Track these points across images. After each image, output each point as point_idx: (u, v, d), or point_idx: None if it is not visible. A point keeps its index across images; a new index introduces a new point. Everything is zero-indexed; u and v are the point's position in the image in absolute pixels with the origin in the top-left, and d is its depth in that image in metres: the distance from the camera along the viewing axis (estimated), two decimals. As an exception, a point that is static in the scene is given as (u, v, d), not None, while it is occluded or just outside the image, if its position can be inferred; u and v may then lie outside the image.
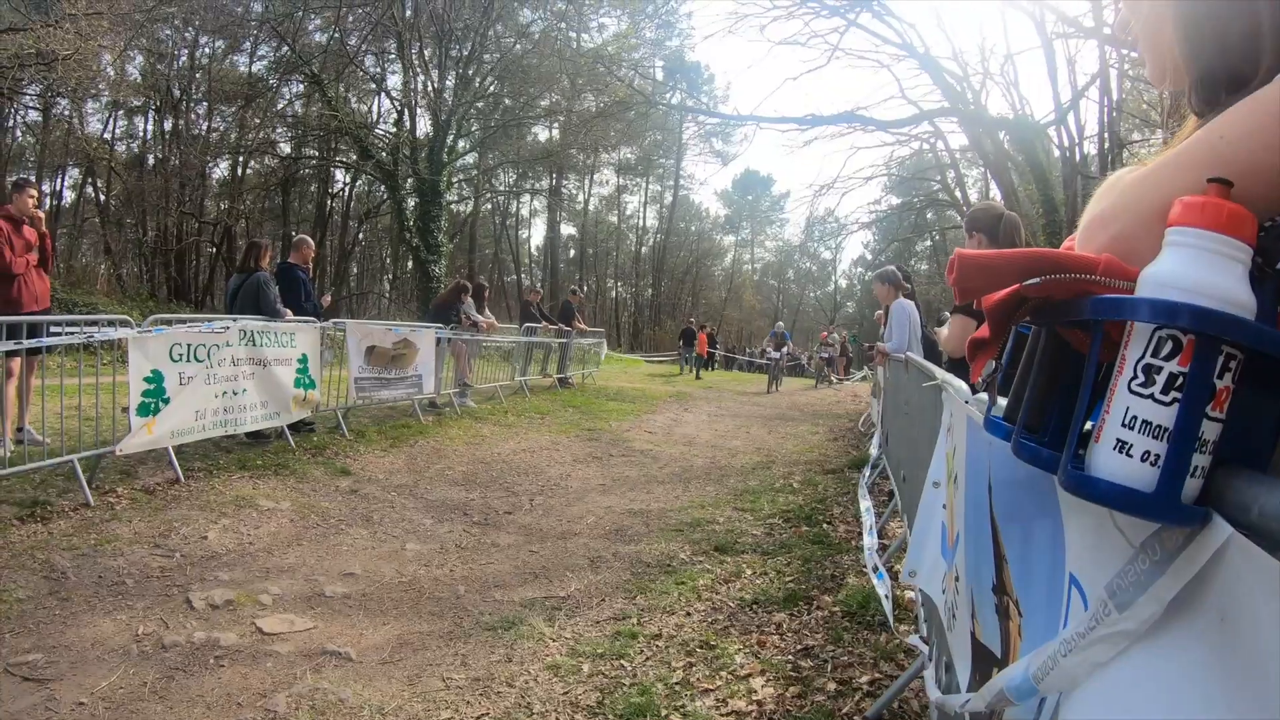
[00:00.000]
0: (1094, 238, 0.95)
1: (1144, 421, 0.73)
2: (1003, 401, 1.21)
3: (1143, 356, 0.75)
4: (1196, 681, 0.70)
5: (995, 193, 26.34)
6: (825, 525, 6.89)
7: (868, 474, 8.31)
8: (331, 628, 4.56)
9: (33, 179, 7.32)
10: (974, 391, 1.53)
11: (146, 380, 6.52)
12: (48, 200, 7.39)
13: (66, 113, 34.18)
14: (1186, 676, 0.72)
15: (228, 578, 5.10)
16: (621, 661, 4.18)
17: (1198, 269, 0.74)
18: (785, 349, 22.57)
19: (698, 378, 27.15)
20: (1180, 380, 0.72)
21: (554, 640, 4.47)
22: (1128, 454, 0.74)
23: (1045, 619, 1.21)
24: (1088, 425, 0.85)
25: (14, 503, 5.79)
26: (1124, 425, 0.75)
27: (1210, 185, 0.77)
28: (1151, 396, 0.73)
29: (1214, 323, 0.71)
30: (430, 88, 36.11)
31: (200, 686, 3.79)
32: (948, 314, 5.83)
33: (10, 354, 6.58)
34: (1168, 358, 0.73)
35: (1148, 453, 0.73)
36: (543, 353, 16.95)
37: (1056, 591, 1.14)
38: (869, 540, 5.38)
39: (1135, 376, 0.75)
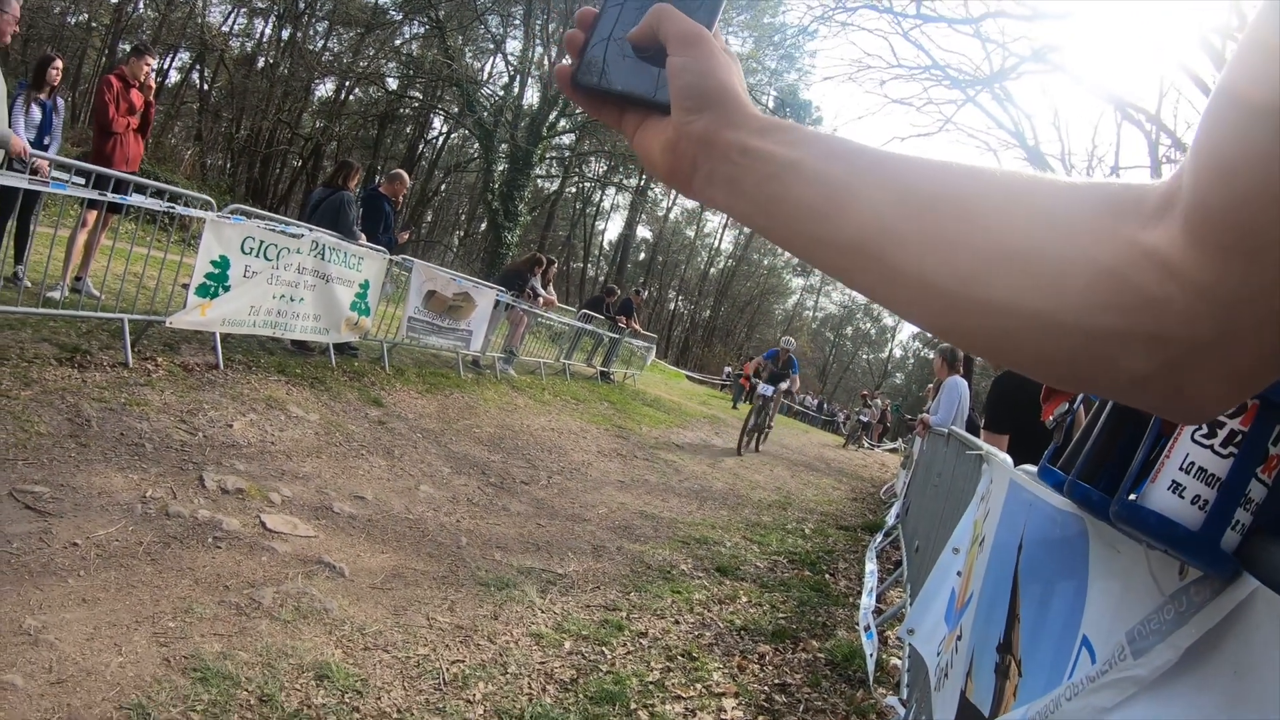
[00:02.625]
0: None
1: (1200, 468, 0.79)
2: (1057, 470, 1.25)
3: None
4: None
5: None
6: (827, 575, 6.87)
7: (879, 539, 8.27)
8: (332, 541, 4.65)
9: (151, 50, 7.58)
10: (1046, 427, 1.56)
11: (213, 264, 6.66)
12: (152, 62, 7.69)
13: None
14: (1192, 728, 0.75)
15: (243, 468, 5.22)
16: (603, 649, 4.22)
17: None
18: (784, 384, 15.26)
19: (735, 408, 27.01)
20: (1239, 437, 0.77)
21: (543, 611, 4.52)
22: (1180, 494, 0.79)
23: (1047, 679, 1.23)
24: (1139, 484, 0.89)
25: (57, 344, 5.96)
26: (1181, 469, 0.80)
27: None
28: (1212, 448, 0.78)
29: (1278, 391, 0.76)
30: (547, 61, 36.48)
31: (193, 560, 3.89)
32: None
33: (90, 205, 6.79)
34: (1233, 415, 0.78)
35: (1199, 496, 0.78)
36: (592, 342, 17.04)
37: (1065, 652, 1.16)
38: (867, 600, 5.39)
39: (1200, 428, 0.80)
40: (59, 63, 7.40)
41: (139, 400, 5.59)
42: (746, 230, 59.64)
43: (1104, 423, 1.06)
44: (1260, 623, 0.70)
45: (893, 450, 28.89)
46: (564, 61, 0.71)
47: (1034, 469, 1.70)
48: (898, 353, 69.02)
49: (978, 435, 6.31)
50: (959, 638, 2.10)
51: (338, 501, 5.27)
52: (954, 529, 3.00)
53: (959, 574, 2.53)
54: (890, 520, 9.06)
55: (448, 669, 3.60)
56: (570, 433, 10.39)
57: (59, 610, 3.16)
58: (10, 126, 6.06)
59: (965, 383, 7.76)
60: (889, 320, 65.13)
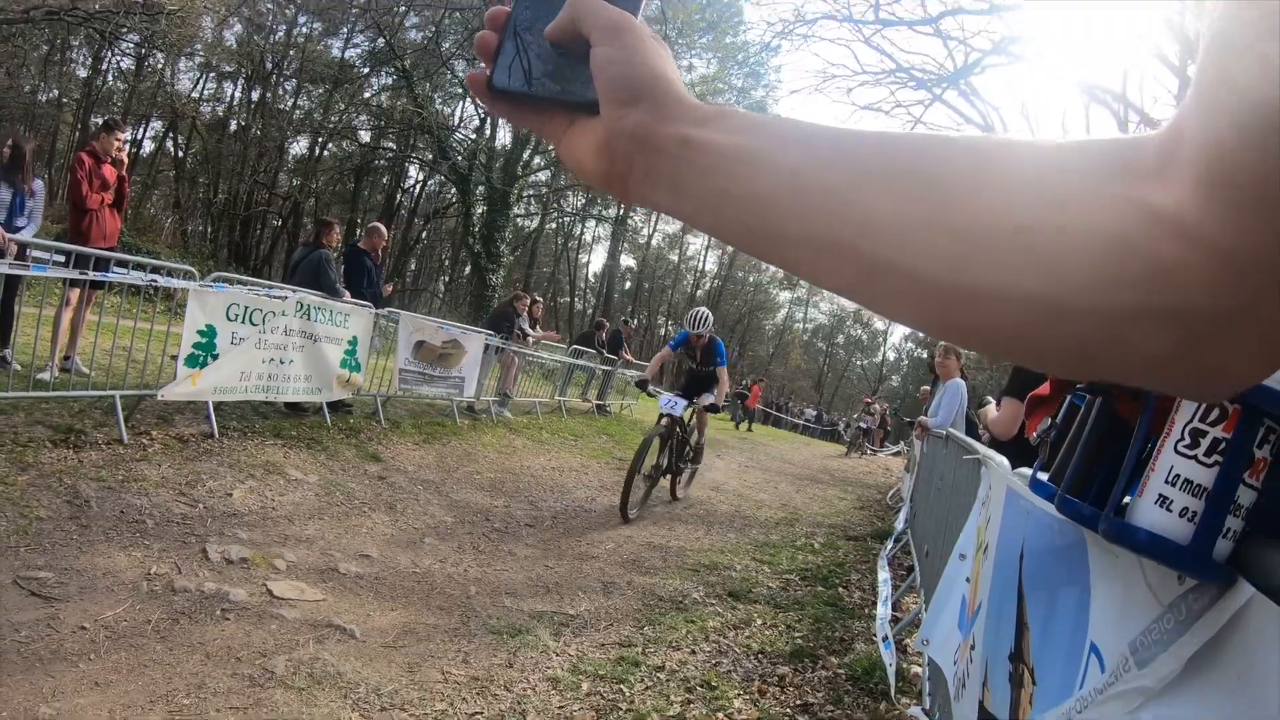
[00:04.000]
0: None
1: (1185, 480, 0.78)
2: (1043, 476, 1.25)
3: (1191, 421, 0.79)
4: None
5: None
6: (841, 589, 6.84)
7: (890, 546, 8.24)
8: (340, 603, 4.62)
9: (123, 123, 7.70)
10: (1031, 444, 1.56)
11: (200, 333, 6.66)
12: (128, 146, 7.73)
13: (160, 65, 35.38)
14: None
15: (246, 536, 5.20)
16: (621, 686, 4.19)
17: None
18: (707, 398, 9.39)
19: (750, 429, 27.07)
20: (1223, 445, 0.76)
21: (557, 654, 4.49)
22: (1168, 509, 0.79)
23: (1059, 687, 1.23)
24: (1127, 496, 0.89)
25: (50, 426, 5.94)
26: (1167, 482, 0.79)
27: None
28: (1195, 458, 0.78)
29: (1257, 395, 0.75)
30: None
31: (203, 634, 3.86)
32: (991, 398, 5.81)
33: (72, 284, 6.80)
34: (1214, 423, 0.77)
35: (1186, 509, 0.78)
36: (585, 377, 17.03)
37: (1075, 659, 1.16)
38: (883, 610, 5.36)
39: (1182, 439, 0.80)
40: (28, 148, 7.42)
41: (137, 476, 5.57)
42: (730, 249, 59.97)
43: (1089, 433, 1.06)
44: (1259, 628, 0.70)
45: (895, 454, 28.85)
46: (476, 66, 0.66)
47: (1028, 472, 1.71)
48: (891, 355, 69.15)
49: (976, 435, 6.32)
50: (972, 647, 2.09)
51: (343, 562, 5.24)
52: (960, 533, 2.99)
53: (967, 580, 2.52)
54: (899, 526, 9.03)
55: (467, 723, 3.58)
56: (571, 470, 10.37)
57: (72, 696, 3.13)
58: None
59: (964, 383, 7.77)
60: (879, 324, 65.29)
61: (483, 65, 0.65)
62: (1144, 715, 0.81)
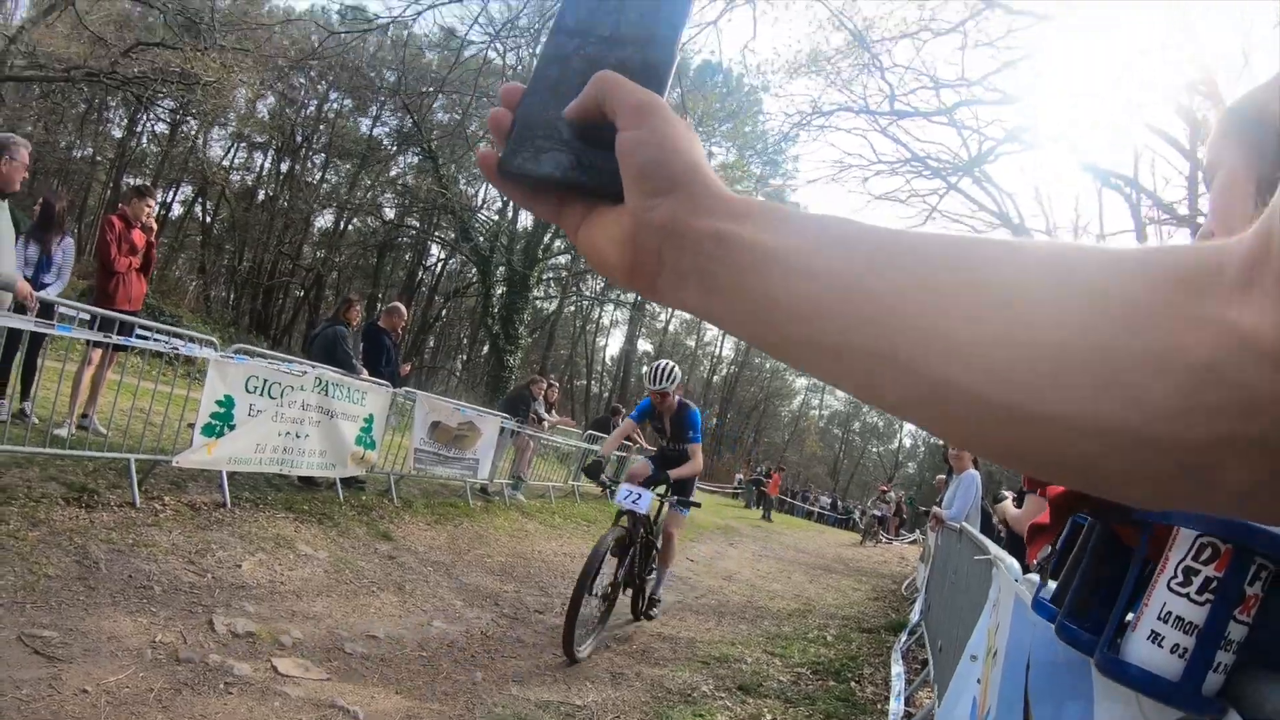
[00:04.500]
0: None
1: (1177, 617, 0.80)
2: (1052, 585, 1.26)
3: (1184, 559, 0.81)
4: None
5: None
6: (853, 683, 6.71)
7: (904, 638, 8.11)
8: (345, 684, 4.57)
9: (155, 189, 7.99)
10: (1025, 571, 1.57)
11: (218, 403, 6.76)
12: (153, 204, 7.93)
13: (193, 132, 36.43)
14: None
15: (253, 610, 5.17)
16: (625, 782, 4.11)
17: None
18: (675, 474, 7.26)
19: (768, 519, 26.76)
20: (1214, 584, 0.78)
21: (562, 747, 4.42)
22: (1159, 644, 0.80)
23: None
24: (1128, 616, 0.91)
25: (64, 483, 6.00)
26: (1159, 619, 0.81)
27: None
28: (1187, 596, 0.80)
29: (1248, 535, 0.78)
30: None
31: (205, 707, 3.82)
32: (1007, 492, 5.78)
33: (95, 344, 6.93)
34: (1206, 562, 0.79)
35: (1178, 645, 0.79)
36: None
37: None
38: (895, 706, 5.26)
39: (1175, 576, 0.81)
40: (59, 205, 7.64)
41: (147, 541, 5.58)
42: (746, 334, 60.15)
43: (1089, 557, 1.07)
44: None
45: (911, 542, 28.49)
46: (485, 145, 0.60)
47: (1037, 579, 1.71)
48: (907, 442, 68.72)
49: (991, 526, 6.28)
50: (983, 756, 2.06)
51: (349, 641, 5.20)
52: (973, 628, 2.96)
53: (978, 682, 2.49)
54: (914, 618, 8.89)
55: (469, 818, 3.51)
56: (582, 555, 10.24)
57: (70, 780, 3.10)
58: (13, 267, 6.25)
59: (978, 475, 7.73)
60: (895, 412, 64.89)
61: (495, 143, 0.62)
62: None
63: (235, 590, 5.41)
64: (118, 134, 37.36)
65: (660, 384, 7.01)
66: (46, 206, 7.49)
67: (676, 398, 7.21)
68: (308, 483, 8.46)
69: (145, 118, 35.45)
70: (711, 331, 60.79)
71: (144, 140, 37.86)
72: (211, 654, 4.38)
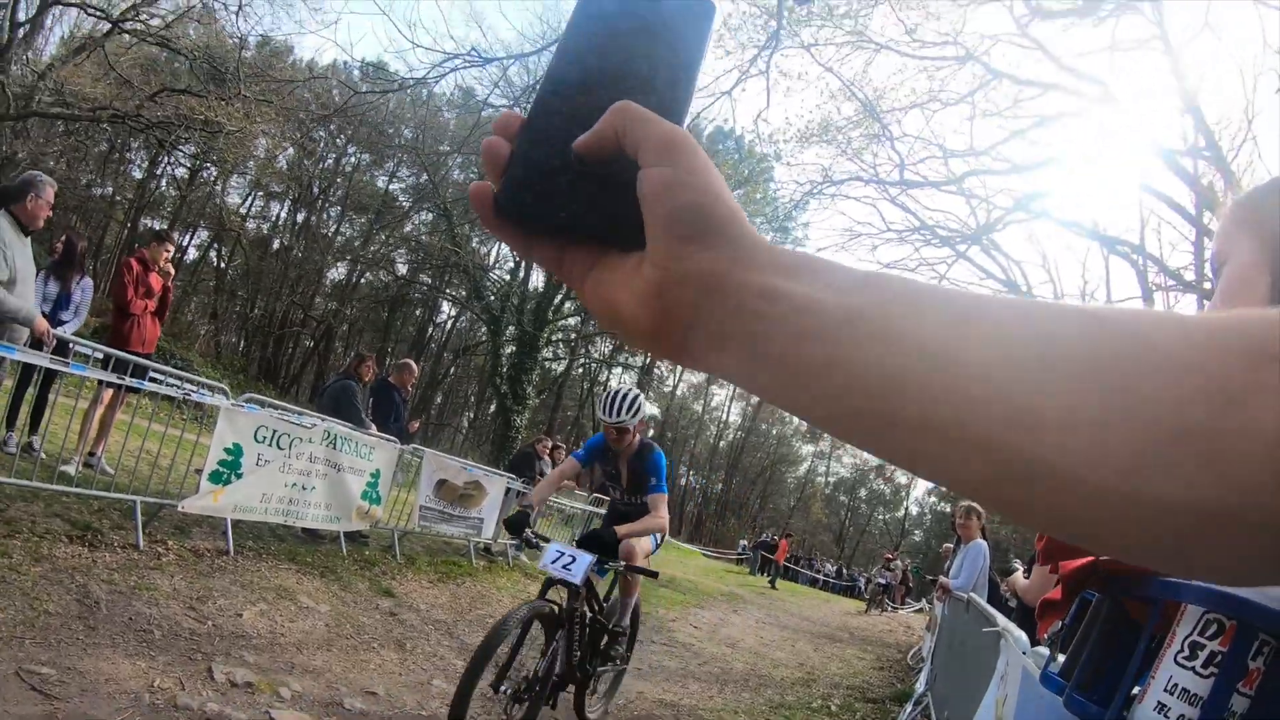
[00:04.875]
0: None
1: (1183, 690, 0.82)
2: (1060, 659, 1.27)
3: (1191, 634, 0.83)
4: None
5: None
6: (857, 758, 6.61)
7: (909, 709, 7.97)
8: (344, 748, 4.52)
9: (174, 235, 8.16)
10: (1034, 644, 1.58)
11: (226, 451, 6.79)
12: (170, 249, 8.05)
13: (212, 178, 37.01)
14: None
15: (253, 660, 5.13)
16: None
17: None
18: (637, 544, 5.29)
19: (773, 586, 26.45)
20: (1219, 658, 0.81)
21: (560, 815, 4.35)
22: (1165, 716, 0.82)
23: None
24: (1134, 689, 0.92)
25: (68, 520, 6.02)
26: (1165, 690, 0.83)
27: None
28: (1193, 669, 0.82)
29: (1252, 612, 0.80)
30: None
31: None
32: (1017, 562, 5.73)
33: (108, 384, 6.98)
34: (1211, 637, 0.82)
35: (1183, 716, 0.81)
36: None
37: None
38: (901, 781, 5.16)
39: (1181, 650, 0.84)
40: (80, 245, 7.77)
41: (148, 584, 5.56)
42: (754, 399, 60.10)
43: (1099, 631, 1.09)
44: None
45: (917, 611, 28.12)
46: (478, 181, 0.54)
47: (1045, 652, 1.71)
48: (914, 510, 68.17)
49: (998, 596, 6.22)
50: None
51: (348, 698, 5.14)
52: (980, 699, 2.94)
53: (987, 759, 2.47)
54: (919, 688, 8.75)
55: None
56: (585, 616, 10.16)
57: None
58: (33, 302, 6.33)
59: (986, 544, 7.69)
60: (902, 478, 64.55)
61: (489, 176, 0.54)
62: None
63: (235, 639, 5.38)
64: (138, 175, 38.12)
65: (618, 416, 5.29)
66: (69, 245, 7.63)
67: (638, 437, 5.55)
68: (312, 535, 8.43)
69: (166, 161, 36.17)
70: (718, 397, 60.91)
71: (163, 183, 38.65)
72: (210, 703, 4.33)
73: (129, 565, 5.76)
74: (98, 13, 22.76)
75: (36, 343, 6.12)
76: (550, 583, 4.81)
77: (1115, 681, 0.98)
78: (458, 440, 47.71)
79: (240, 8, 21.77)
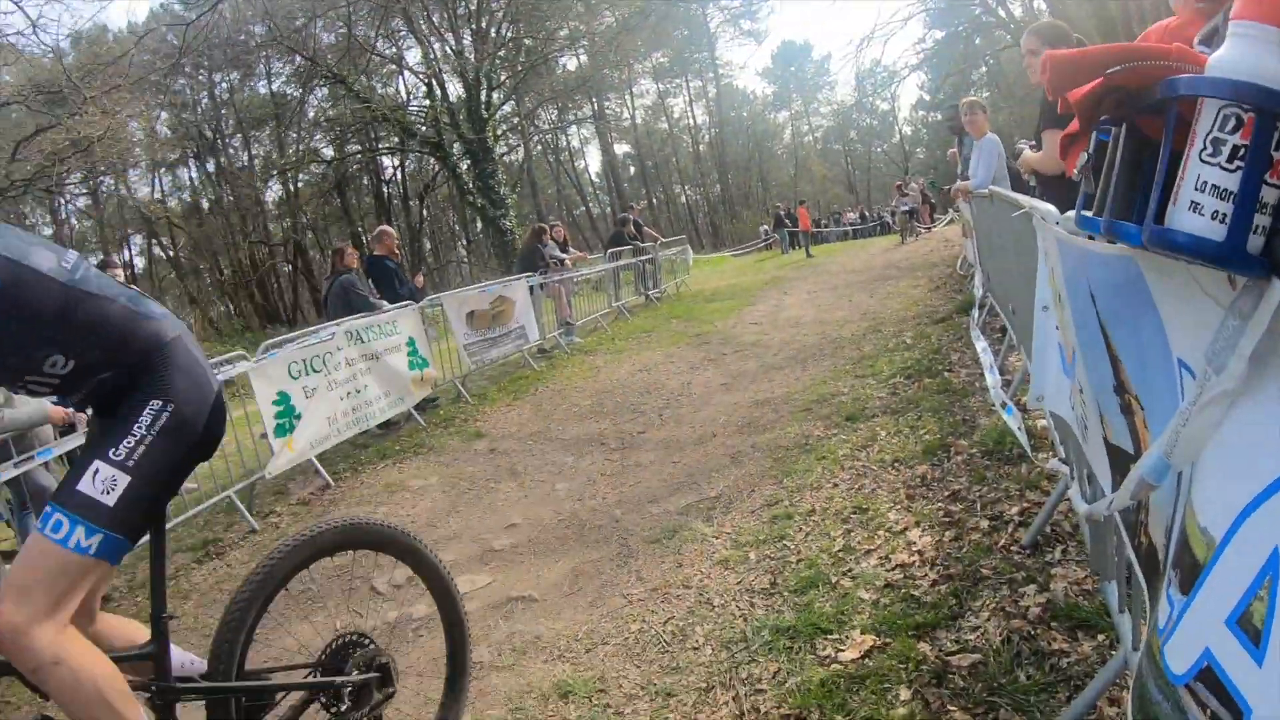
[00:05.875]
0: None
1: (1213, 186, 0.86)
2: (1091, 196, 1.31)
3: (1210, 130, 0.86)
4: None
5: (1040, 3, 24.82)
6: (946, 374, 6.90)
7: (977, 315, 8.17)
8: (509, 577, 4.83)
9: (113, 258, 7.94)
10: (1075, 180, 1.61)
11: (275, 404, 6.95)
12: (121, 273, 7.87)
13: (114, 187, 35.75)
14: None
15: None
16: (784, 542, 4.36)
17: (1258, 56, 0.84)
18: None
19: (809, 255, 26.42)
20: (1242, 151, 0.83)
21: (716, 538, 4.67)
22: (1199, 213, 0.86)
23: (1165, 406, 1.29)
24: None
25: (187, 549, 6.27)
26: (1196, 189, 0.87)
27: None
28: (1218, 165, 0.85)
29: (1271, 100, 0.81)
30: (450, 51, 36.11)
31: (404, 659, 3.98)
32: (1023, 143, 5.66)
33: None
34: (1231, 131, 0.84)
35: (1217, 211, 0.85)
36: (633, 274, 17.03)
37: (1170, 378, 1.22)
38: (992, 378, 5.39)
39: (1204, 148, 0.86)
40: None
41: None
42: (711, 96, 58.39)
43: (1122, 158, 1.12)
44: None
45: (949, 223, 28.35)
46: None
47: (1073, 214, 1.74)
48: (908, 130, 67.07)
49: (1022, 184, 6.20)
50: (1080, 390, 2.16)
51: (494, 540, 5.45)
52: (1034, 281, 3.02)
53: (1057, 328, 2.56)
54: (978, 293, 8.95)
55: (663, 630, 3.78)
56: (657, 365, 10.43)
57: None
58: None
59: (998, 138, 7.58)
60: (883, 104, 63.21)
61: None
62: (1237, 412, 0.89)
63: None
64: (48, 231, 36.70)
65: None
66: None
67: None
68: (387, 426, 8.71)
69: (61, 202, 34.80)
70: (678, 108, 59.27)
71: (73, 221, 37.28)
72: (389, 612, 4.59)
73: (258, 549, 6.02)
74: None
75: (66, 428, 5.86)
76: None
77: (1147, 200, 1.01)
78: (464, 270, 47.61)
79: (34, 27, 20.12)
